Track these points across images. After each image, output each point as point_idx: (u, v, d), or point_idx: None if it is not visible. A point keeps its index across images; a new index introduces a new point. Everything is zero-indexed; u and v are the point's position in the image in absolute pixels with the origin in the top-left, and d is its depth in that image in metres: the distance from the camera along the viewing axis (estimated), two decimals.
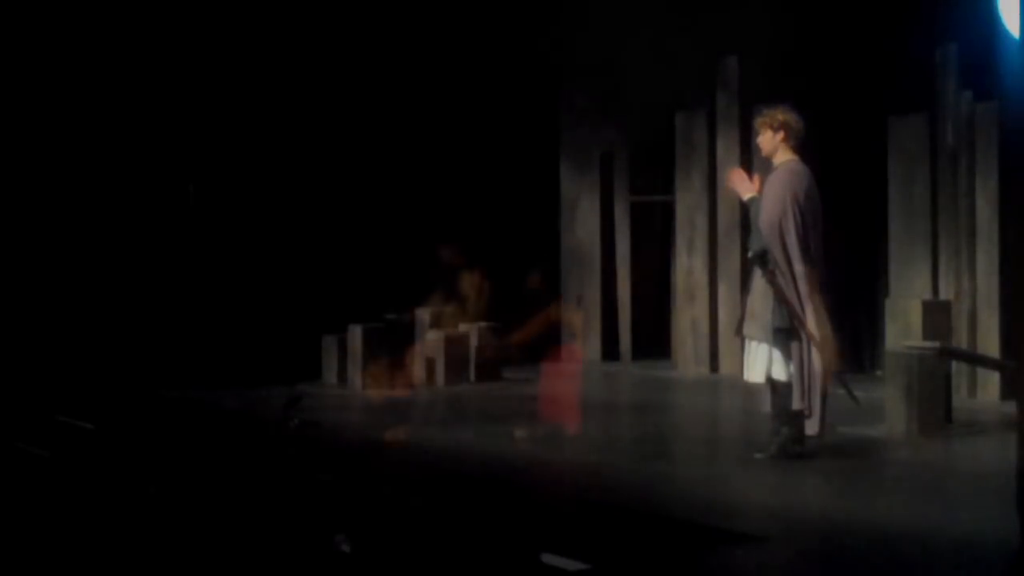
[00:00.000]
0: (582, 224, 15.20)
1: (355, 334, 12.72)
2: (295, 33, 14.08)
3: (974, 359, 11.11)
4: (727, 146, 13.77)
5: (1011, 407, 8.49)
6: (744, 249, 13.69)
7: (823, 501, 7.94)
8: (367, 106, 14.36)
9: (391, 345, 11.83)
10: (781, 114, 8.96)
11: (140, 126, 13.76)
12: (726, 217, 13.81)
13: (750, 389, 9.45)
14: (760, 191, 8.99)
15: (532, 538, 7.05)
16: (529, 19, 13.69)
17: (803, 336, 8.59)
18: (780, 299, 8.60)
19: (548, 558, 6.60)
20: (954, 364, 10.53)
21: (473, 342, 13.00)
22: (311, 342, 13.20)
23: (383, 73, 14.43)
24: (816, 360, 8.60)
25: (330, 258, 13.71)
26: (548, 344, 12.74)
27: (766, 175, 9.03)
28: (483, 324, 12.84)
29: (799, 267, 8.66)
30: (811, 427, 8.72)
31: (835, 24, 12.79)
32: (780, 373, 8.67)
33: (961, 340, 11.35)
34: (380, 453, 9.50)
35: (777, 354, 8.65)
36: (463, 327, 12.89)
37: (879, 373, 11.38)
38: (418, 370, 12.68)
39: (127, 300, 13.53)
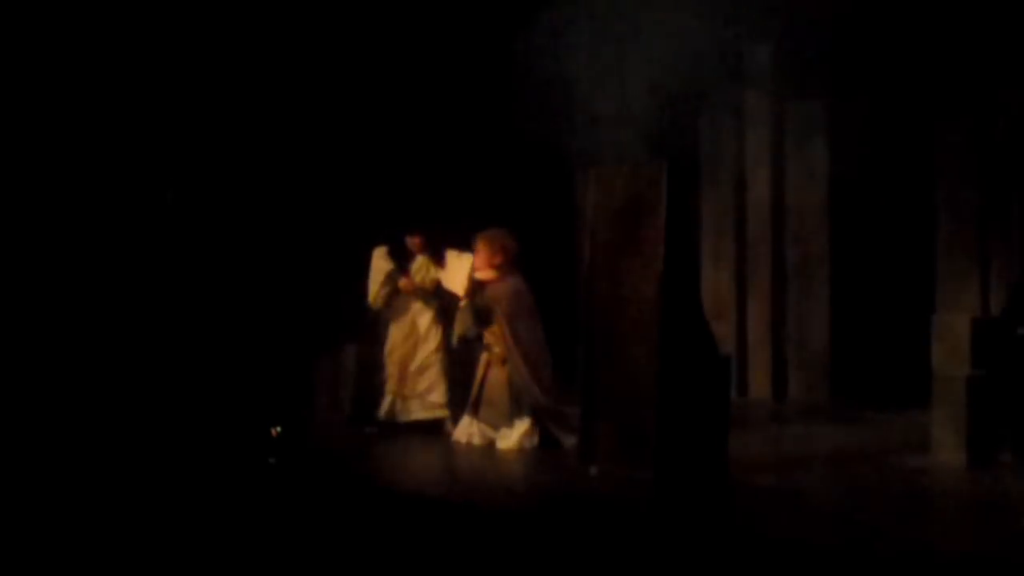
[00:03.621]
0: None
1: (349, 355, 12.45)
2: (293, 33, 13.89)
3: None
4: (757, 147, 13.48)
5: None
6: (776, 259, 13.54)
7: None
8: (361, 112, 14.15)
9: None
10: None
11: (117, 130, 13.58)
12: (756, 226, 13.53)
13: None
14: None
15: None
16: (539, 20, 13.46)
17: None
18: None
19: None
20: None
21: None
22: (300, 362, 12.95)
23: (383, 78, 14.25)
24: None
25: (320, 271, 13.44)
26: None
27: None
28: None
29: None
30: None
31: (875, 14, 12.49)
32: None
33: None
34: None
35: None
36: None
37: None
38: None
39: (100, 314, 13.32)
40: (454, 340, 11.17)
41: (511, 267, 10.94)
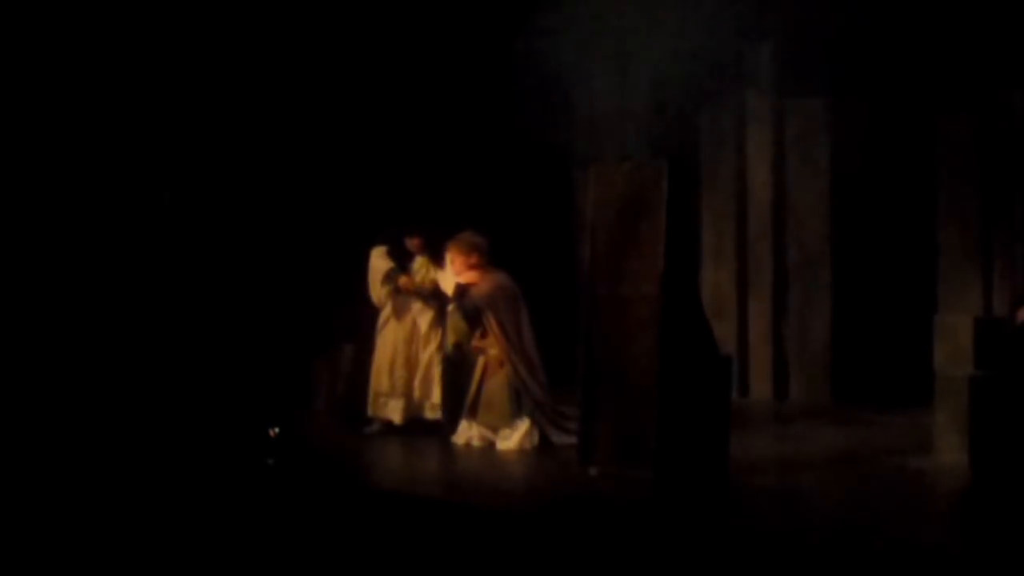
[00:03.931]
0: None
1: (346, 355, 12.44)
2: (291, 32, 13.84)
3: None
4: (758, 146, 13.46)
5: None
6: (777, 258, 13.54)
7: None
8: (359, 112, 14.10)
9: None
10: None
11: (113, 130, 13.53)
12: (757, 225, 13.52)
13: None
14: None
15: None
16: (540, 18, 13.44)
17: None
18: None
19: None
20: None
21: None
22: (298, 363, 12.93)
23: (381, 78, 14.20)
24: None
25: (319, 273, 13.42)
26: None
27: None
28: None
29: None
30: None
31: (878, 11, 12.48)
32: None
33: None
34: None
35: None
36: None
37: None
38: None
39: (97, 315, 13.29)
40: (448, 346, 11.14)
41: (489, 264, 10.96)
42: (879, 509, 8.38)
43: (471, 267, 10.91)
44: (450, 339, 11.11)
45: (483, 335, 10.86)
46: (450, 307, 11.06)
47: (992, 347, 10.28)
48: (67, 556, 7.70)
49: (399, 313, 11.54)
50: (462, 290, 10.93)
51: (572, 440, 10.03)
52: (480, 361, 10.84)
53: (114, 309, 13.45)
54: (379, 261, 11.56)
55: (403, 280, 11.46)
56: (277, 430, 10.05)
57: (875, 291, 13.12)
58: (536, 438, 10.60)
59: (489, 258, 10.97)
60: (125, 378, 12.95)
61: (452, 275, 11.06)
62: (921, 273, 12.42)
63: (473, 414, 10.80)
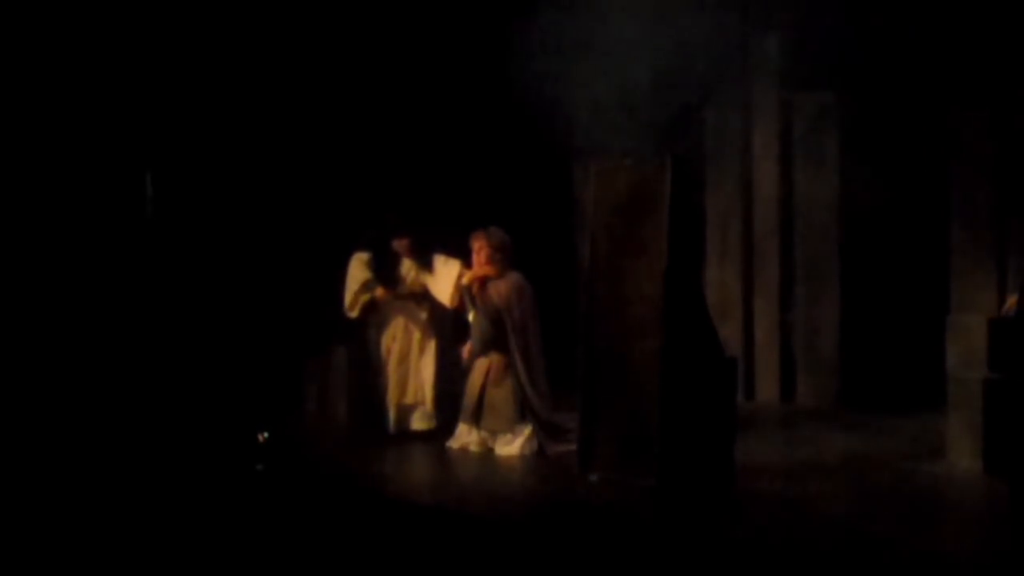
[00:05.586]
0: None
1: (339, 358, 12.42)
2: (280, 27, 13.81)
3: None
4: (764, 141, 13.44)
5: None
6: (784, 257, 13.51)
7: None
8: (350, 108, 14.09)
9: None
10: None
11: (92, 108, 13.49)
12: (763, 223, 13.50)
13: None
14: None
15: None
16: (541, 10, 13.43)
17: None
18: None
19: None
20: None
21: None
22: (288, 366, 12.92)
23: (376, 73, 14.19)
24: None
25: (308, 273, 13.40)
26: None
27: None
28: None
29: None
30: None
31: (888, 2, 12.46)
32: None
33: None
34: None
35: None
36: None
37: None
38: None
39: (81, 315, 13.26)
40: (477, 350, 10.96)
41: (511, 264, 10.91)
42: (890, 517, 8.35)
43: (496, 261, 10.85)
44: (476, 343, 10.93)
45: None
46: (471, 315, 10.94)
47: (1006, 348, 10.25)
48: (56, 561, 7.69)
49: (391, 318, 11.47)
50: (475, 285, 10.83)
51: (571, 448, 9.99)
52: (482, 364, 10.78)
53: (99, 309, 13.44)
54: (357, 270, 11.48)
55: (379, 292, 11.38)
56: (266, 435, 10.05)
57: (885, 291, 13.09)
58: (536, 444, 10.56)
59: (511, 261, 10.91)
60: (110, 380, 12.94)
61: (451, 277, 11.00)
62: (933, 272, 12.40)
63: (476, 419, 10.74)
